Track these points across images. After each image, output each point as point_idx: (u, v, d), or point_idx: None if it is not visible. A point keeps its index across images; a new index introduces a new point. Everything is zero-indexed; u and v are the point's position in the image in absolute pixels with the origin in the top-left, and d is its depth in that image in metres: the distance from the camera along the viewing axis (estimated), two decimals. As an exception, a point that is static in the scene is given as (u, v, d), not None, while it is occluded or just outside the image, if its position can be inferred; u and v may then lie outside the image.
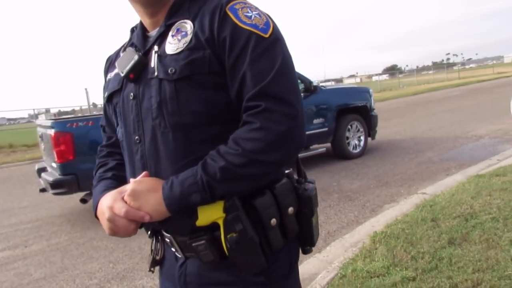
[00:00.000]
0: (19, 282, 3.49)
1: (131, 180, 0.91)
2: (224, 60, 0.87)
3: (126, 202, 0.89)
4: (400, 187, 4.99)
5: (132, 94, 0.96)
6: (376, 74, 65.77)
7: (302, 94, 6.58)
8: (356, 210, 4.32)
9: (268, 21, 0.90)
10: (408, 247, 2.80)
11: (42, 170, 5.51)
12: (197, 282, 0.95)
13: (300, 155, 6.21)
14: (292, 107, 0.84)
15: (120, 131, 1.03)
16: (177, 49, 0.90)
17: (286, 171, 0.99)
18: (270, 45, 0.87)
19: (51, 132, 4.70)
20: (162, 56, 0.91)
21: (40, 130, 5.75)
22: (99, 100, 22.37)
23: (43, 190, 5.37)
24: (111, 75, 1.08)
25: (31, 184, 8.14)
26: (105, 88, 1.11)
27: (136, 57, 0.94)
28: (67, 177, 4.65)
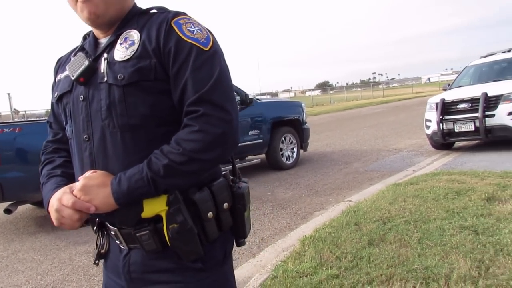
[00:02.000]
0: None
1: (82, 176, 1.00)
2: (169, 68, 0.99)
3: (75, 196, 0.97)
4: (329, 195, 5.33)
5: (82, 96, 1.05)
6: (310, 90, 68.59)
7: (238, 106, 6.79)
8: (288, 217, 4.55)
9: (209, 36, 1.04)
10: (334, 249, 3.05)
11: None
12: (140, 270, 1.05)
13: (236, 165, 6.31)
14: (227, 112, 0.97)
15: (69, 129, 1.11)
16: (125, 56, 1.00)
17: (223, 172, 1.13)
18: (210, 57, 1.00)
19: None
20: (111, 62, 1.01)
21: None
22: (22, 107, 20.91)
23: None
24: (61, 76, 1.16)
25: None
26: (55, 88, 1.17)
27: (86, 63, 1.04)
28: None
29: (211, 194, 1.03)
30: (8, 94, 19.59)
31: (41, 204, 5.18)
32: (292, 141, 7.63)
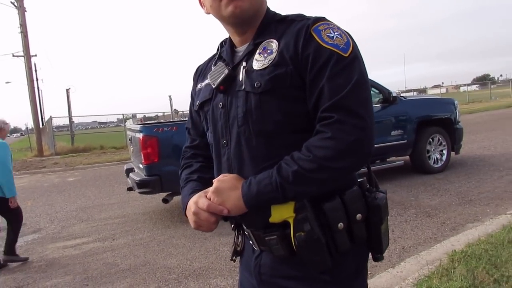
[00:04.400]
0: (107, 271, 3.85)
1: (215, 179, 1.02)
2: (305, 75, 0.96)
3: (209, 199, 1.01)
4: (486, 206, 4.64)
5: (221, 103, 1.09)
6: (465, 84, 61.20)
7: (380, 104, 6.44)
8: (434, 227, 4.11)
9: (349, 41, 0.98)
10: (491, 269, 2.62)
11: (130, 170, 6.01)
12: (269, 273, 1.05)
13: (376, 167, 6.03)
14: (362, 119, 0.90)
15: (210, 135, 1.17)
16: (263, 65, 1.01)
17: (359, 180, 1.03)
18: (349, 64, 0.95)
19: (140, 135, 5.13)
20: (249, 71, 1.03)
21: (129, 134, 6.29)
22: (181, 107, 23.65)
23: (130, 189, 5.85)
24: (201, 85, 1.22)
25: (118, 183, 8.89)
26: (196, 96, 1.24)
27: (226, 71, 1.07)
28: (152, 177, 5.03)
29: (343, 204, 0.96)
30: (169, 96, 22.36)
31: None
32: (441, 143, 6.90)
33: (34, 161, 15.95)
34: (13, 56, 22.00)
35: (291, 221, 0.95)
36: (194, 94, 1.27)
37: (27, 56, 19.09)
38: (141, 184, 5.09)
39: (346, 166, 0.91)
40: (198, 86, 1.24)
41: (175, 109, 23.41)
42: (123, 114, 22.27)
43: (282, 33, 1.03)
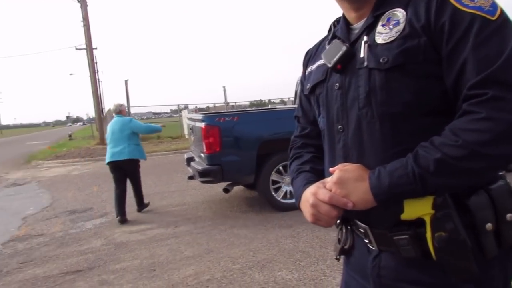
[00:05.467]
0: (172, 257, 3.91)
1: (336, 167, 0.92)
2: (441, 47, 0.82)
3: (330, 190, 0.90)
4: None
5: (337, 84, 0.98)
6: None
7: None
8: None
9: (494, 3, 0.82)
10: None
11: (190, 159, 6.09)
12: (392, 277, 0.92)
13: None
14: None
15: (322, 120, 1.06)
16: (389, 38, 0.88)
17: (500, 173, 0.89)
18: (498, 28, 0.79)
19: (202, 125, 5.16)
20: (372, 45, 0.90)
21: (190, 123, 6.37)
22: (232, 99, 23.80)
23: (191, 177, 5.93)
24: (312, 67, 1.12)
25: (176, 172, 9.10)
26: (306, 80, 1.15)
27: (344, 48, 0.95)
28: (213, 167, 5.05)
29: (490, 200, 0.82)
30: (224, 87, 22.60)
31: (251, 186, 5.73)
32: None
33: (97, 148, 16.78)
34: (76, 49, 23.30)
35: (427, 219, 0.82)
36: (303, 79, 1.17)
37: (89, 48, 20.05)
38: (202, 173, 5.13)
39: (506, 153, 0.75)
40: (308, 69, 1.14)
41: (226, 101, 23.65)
42: (178, 105, 22.83)
43: (409, 1, 0.89)
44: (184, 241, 4.35)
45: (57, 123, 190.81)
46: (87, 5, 19.61)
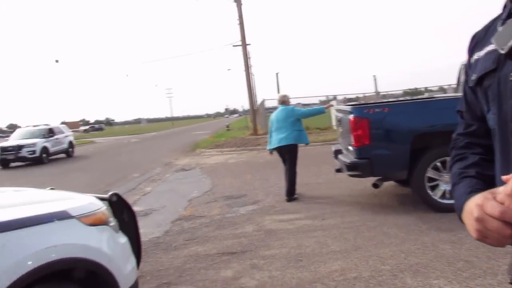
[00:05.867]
0: (319, 250, 3.91)
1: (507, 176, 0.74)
2: None
3: (502, 203, 0.73)
4: None
5: None
6: None
7: None
8: None
9: None
10: None
11: (338, 152, 5.99)
12: None
13: None
14: None
15: (491, 118, 0.89)
16: None
17: None
18: None
19: (350, 117, 4.99)
20: None
21: (338, 115, 6.25)
22: (383, 88, 22.57)
23: (338, 170, 5.84)
24: (479, 54, 0.94)
25: (325, 164, 9.07)
26: (471, 69, 0.97)
27: None
28: (362, 160, 4.85)
29: None
30: (374, 76, 21.65)
31: (403, 182, 5.34)
32: None
33: (251, 139, 17.99)
34: (233, 46, 25.26)
35: None
36: (468, 68, 0.99)
37: (244, 45, 21.50)
38: (351, 167, 4.99)
39: None
40: (475, 57, 0.96)
41: (375, 90, 22.55)
42: (326, 96, 22.81)
43: None
44: (331, 235, 4.31)
45: (217, 115, 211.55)
46: (241, 4, 21.04)
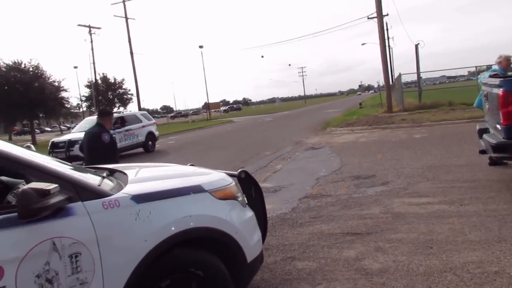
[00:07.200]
0: (453, 238, 3.59)
1: None
2: None
3: None
4: None
5: None
6: None
7: None
8: None
9: None
10: None
11: (483, 131, 5.32)
12: None
13: None
14: None
15: None
16: None
17: None
18: None
19: (499, 91, 4.37)
20: None
21: (485, 89, 5.52)
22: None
23: (483, 151, 5.22)
24: None
25: (468, 144, 8.16)
26: None
27: None
28: (511, 141, 4.24)
29: None
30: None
31: None
32: None
33: (384, 116, 17.10)
34: (368, 18, 24.03)
35: None
36: None
37: (379, 16, 20.24)
38: (497, 148, 4.40)
39: None
40: None
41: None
42: (476, 67, 20.13)
43: None
44: (469, 222, 3.91)
45: (350, 92, 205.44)
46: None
